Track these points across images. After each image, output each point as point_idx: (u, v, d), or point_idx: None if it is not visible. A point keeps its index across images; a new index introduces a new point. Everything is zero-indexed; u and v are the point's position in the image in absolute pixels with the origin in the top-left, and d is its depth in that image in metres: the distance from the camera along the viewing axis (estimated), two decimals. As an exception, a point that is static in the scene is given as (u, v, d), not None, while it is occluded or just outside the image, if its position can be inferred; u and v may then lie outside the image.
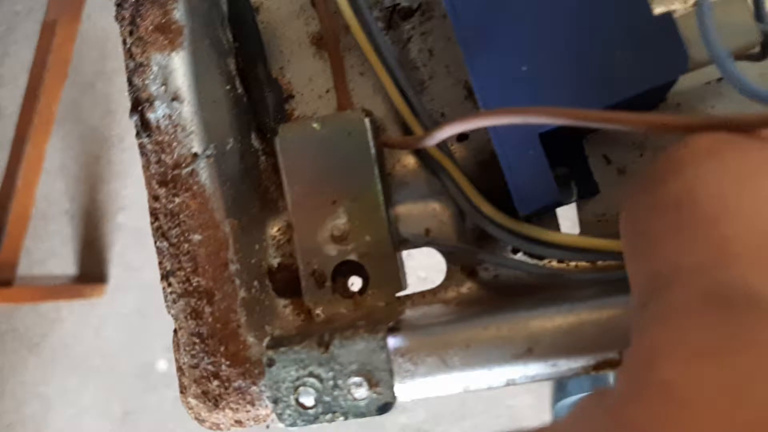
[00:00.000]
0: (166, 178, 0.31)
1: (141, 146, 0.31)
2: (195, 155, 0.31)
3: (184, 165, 0.31)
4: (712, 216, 0.20)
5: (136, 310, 1.51)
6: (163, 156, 0.31)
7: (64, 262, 1.57)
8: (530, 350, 0.28)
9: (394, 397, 0.28)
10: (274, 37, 0.36)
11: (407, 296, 0.34)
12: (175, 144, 0.31)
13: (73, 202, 1.61)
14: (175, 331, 0.31)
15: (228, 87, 0.34)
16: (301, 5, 0.36)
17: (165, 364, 1.45)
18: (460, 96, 0.35)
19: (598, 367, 0.28)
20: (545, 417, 1.15)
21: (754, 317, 0.17)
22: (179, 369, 0.30)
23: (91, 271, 1.56)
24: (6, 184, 1.34)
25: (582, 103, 0.27)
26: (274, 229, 0.35)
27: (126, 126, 1.56)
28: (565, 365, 0.28)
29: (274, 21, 0.36)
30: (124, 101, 1.47)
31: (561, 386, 1.14)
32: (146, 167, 0.31)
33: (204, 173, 0.31)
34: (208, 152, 0.31)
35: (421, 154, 0.34)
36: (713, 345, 0.17)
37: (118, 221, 1.56)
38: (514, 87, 0.29)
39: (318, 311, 0.33)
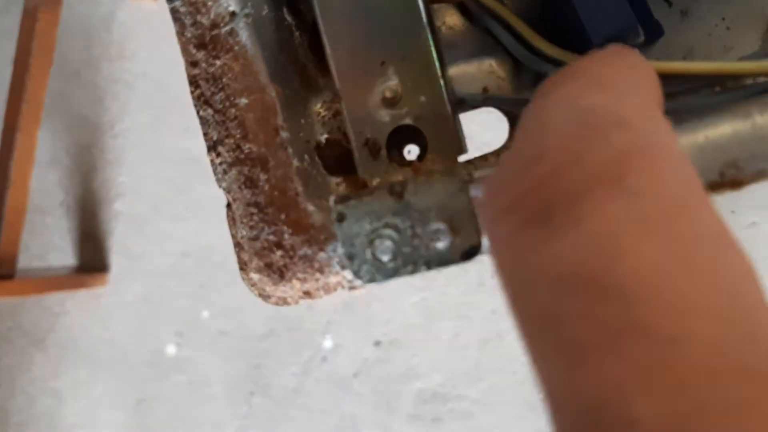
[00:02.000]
0: (204, 40, 0.28)
1: (173, 11, 0.28)
2: (233, 14, 0.28)
3: (222, 24, 0.28)
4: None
5: (141, 297, 1.49)
6: (198, 17, 0.28)
7: (63, 255, 1.54)
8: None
9: (479, 241, 0.25)
10: None
11: (468, 161, 0.32)
12: (210, 3, 0.28)
13: (68, 193, 1.58)
14: (229, 205, 0.28)
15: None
16: None
17: (174, 349, 1.43)
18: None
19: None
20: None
21: None
22: (237, 244, 0.28)
23: (92, 262, 1.53)
24: (0, 176, 1.31)
25: None
26: (317, 106, 0.33)
27: (116, 113, 1.53)
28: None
29: None
30: (111, 88, 1.44)
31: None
32: (181, 32, 0.28)
33: (244, 33, 0.29)
34: (246, 11, 0.29)
35: (467, 10, 0.32)
36: None
37: (115, 209, 1.53)
38: None
39: (374, 183, 0.31)
